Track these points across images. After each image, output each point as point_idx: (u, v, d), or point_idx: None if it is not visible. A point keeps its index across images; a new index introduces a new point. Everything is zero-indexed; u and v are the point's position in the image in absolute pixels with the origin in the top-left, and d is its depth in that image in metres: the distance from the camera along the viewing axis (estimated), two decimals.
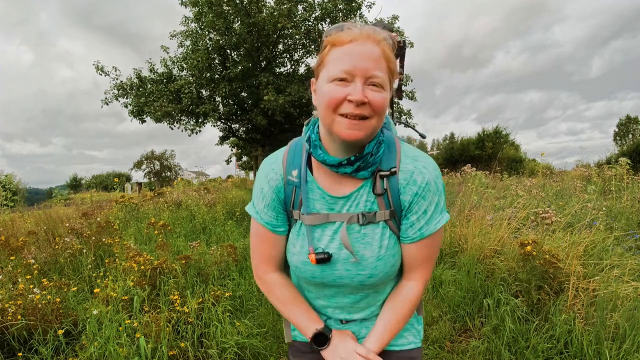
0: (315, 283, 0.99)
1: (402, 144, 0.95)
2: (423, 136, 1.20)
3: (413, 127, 1.20)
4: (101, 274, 3.23)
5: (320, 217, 0.93)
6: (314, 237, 0.95)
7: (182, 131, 12.85)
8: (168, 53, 12.38)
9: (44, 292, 2.60)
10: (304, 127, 1.13)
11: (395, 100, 1.09)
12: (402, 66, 1.00)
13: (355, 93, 0.76)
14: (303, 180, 0.93)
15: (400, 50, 0.95)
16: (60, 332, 2.25)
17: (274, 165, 0.97)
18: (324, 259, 0.92)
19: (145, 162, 43.83)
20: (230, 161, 19.24)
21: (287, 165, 0.95)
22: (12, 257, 3.40)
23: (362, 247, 0.91)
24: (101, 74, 11.76)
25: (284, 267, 1.07)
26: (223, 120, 13.33)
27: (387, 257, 0.93)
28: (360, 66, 0.77)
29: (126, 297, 2.56)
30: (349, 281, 0.95)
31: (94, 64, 11.53)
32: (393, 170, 0.88)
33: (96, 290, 2.67)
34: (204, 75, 11.57)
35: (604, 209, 4.06)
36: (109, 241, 3.88)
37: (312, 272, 0.96)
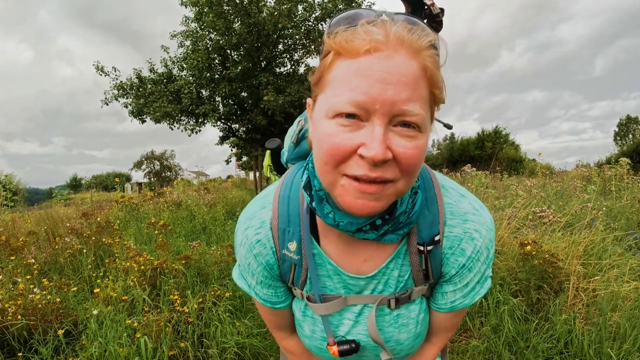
0: None
1: (443, 188, 0.67)
2: (449, 126, 0.88)
3: (437, 119, 0.80)
4: (101, 274, 3.23)
5: (337, 304, 0.68)
6: (331, 322, 0.71)
7: (182, 131, 12.86)
8: (168, 53, 12.38)
9: (44, 292, 2.60)
10: (290, 139, 0.80)
11: None
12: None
13: (371, 145, 0.47)
14: (308, 257, 0.65)
15: (435, 23, 0.59)
16: (60, 332, 2.25)
17: (260, 233, 0.67)
18: (350, 351, 0.69)
19: (145, 162, 43.90)
20: (230, 161, 19.23)
21: (280, 233, 0.66)
22: (12, 257, 3.40)
23: (397, 332, 0.70)
24: (101, 74, 11.77)
25: None
26: (223, 120, 13.33)
27: (424, 330, 0.74)
28: (383, 97, 0.46)
29: (126, 297, 2.56)
30: None
31: (93, 64, 11.54)
32: (436, 239, 0.63)
33: (96, 290, 2.67)
34: (204, 75, 11.57)
35: (603, 209, 4.06)
36: (109, 241, 3.88)
37: (331, 358, 0.73)
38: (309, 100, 0.61)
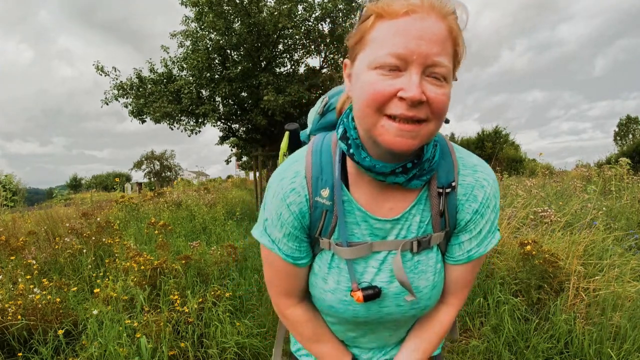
0: (354, 322, 0.81)
1: (454, 146, 0.78)
2: (446, 121, 1.03)
3: None
4: (101, 274, 3.23)
5: (363, 249, 0.73)
6: (356, 270, 0.75)
7: (182, 131, 12.84)
8: (168, 53, 12.37)
9: (44, 292, 2.60)
10: (315, 112, 0.91)
11: None
12: None
13: (410, 88, 0.56)
14: (338, 204, 0.70)
15: None
16: (60, 332, 2.25)
17: (295, 182, 0.72)
18: (374, 295, 0.72)
19: (145, 162, 43.85)
20: (230, 161, 19.20)
21: (314, 181, 0.71)
22: (12, 257, 3.40)
23: (416, 278, 0.75)
24: (101, 74, 11.75)
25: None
26: (223, 120, 13.33)
27: (440, 283, 0.79)
28: (418, 50, 0.56)
29: (126, 297, 2.56)
30: (400, 316, 0.79)
31: (93, 64, 11.51)
32: (453, 184, 0.72)
33: (96, 290, 2.67)
34: (204, 76, 11.55)
35: (603, 208, 4.06)
36: (109, 241, 3.88)
37: (354, 312, 0.77)
38: (346, 61, 0.70)
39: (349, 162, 0.73)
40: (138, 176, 44.94)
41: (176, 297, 2.59)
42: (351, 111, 0.71)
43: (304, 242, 0.76)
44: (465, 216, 0.74)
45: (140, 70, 12.29)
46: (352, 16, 11.62)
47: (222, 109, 12.69)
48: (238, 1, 10.72)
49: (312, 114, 0.95)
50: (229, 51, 12.05)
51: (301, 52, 12.88)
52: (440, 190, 0.71)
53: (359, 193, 0.72)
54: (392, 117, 0.59)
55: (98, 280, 3.08)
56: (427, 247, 0.74)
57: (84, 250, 3.68)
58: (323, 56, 12.77)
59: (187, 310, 2.46)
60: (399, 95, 0.57)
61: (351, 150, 0.68)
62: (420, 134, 0.60)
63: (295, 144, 1.03)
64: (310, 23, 11.83)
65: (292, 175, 0.72)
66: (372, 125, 0.61)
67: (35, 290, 2.63)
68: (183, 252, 3.98)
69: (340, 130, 0.71)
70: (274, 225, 0.74)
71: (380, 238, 0.73)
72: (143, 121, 12.40)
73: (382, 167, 0.66)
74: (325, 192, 0.71)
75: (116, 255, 3.54)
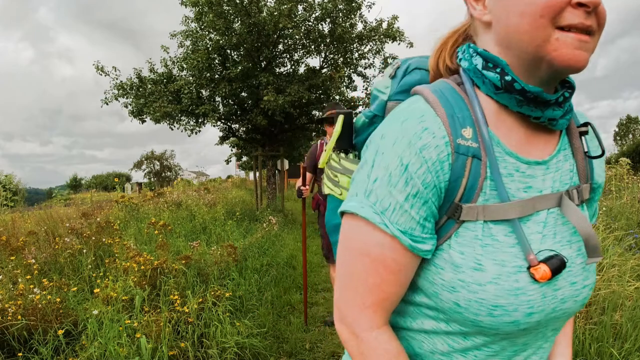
0: (520, 329, 0.54)
1: None
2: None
3: None
4: (101, 274, 3.22)
5: (529, 204, 0.54)
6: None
7: (182, 131, 12.85)
8: (168, 53, 12.39)
9: (44, 292, 2.60)
10: (383, 82, 0.71)
11: None
12: None
13: None
14: (487, 146, 0.53)
15: None
16: (60, 332, 2.24)
17: (427, 121, 0.53)
18: (561, 266, 0.52)
19: (146, 162, 43.86)
20: (230, 161, 19.23)
21: (449, 118, 0.54)
22: (12, 257, 3.40)
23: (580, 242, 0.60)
24: (101, 74, 11.76)
25: None
26: (223, 121, 13.34)
27: None
28: None
29: (126, 297, 2.56)
30: (572, 304, 0.57)
31: (94, 64, 11.52)
32: (587, 125, 0.63)
33: (96, 290, 2.67)
34: (204, 76, 11.56)
35: (603, 208, 4.06)
36: (109, 241, 3.89)
37: (529, 305, 0.52)
38: None
39: (484, 100, 0.58)
40: (138, 176, 45.03)
41: (176, 297, 2.59)
42: (470, 52, 0.59)
43: (432, 214, 0.54)
44: (599, 164, 0.66)
45: (140, 70, 12.30)
46: (352, 16, 11.64)
47: (222, 109, 12.70)
48: (238, 1, 10.74)
49: (384, 81, 0.74)
50: (229, 51, 12.06)
51: (301, 52, 12.88)
52: (583, 129, 0.62)
53: (502, 135, 0.56)
54: (565, 29, 0.50)
55: (98, 280, 3.08)
56: (583, 201, 0.60)
57: (84, 250, 3.68)
58: (323, 56, 12.77)
59: (187, 310, 2.46)
60: (575, 1, 0.49)
61: (507, 78, 0.53)
62: (591, 48, 0.52)
63: (349, 130, 0.80)
64: (310, 23, 11.84)
65: (418, 114, 0.53)
66: (544, 40, 0.50)
67: (35, 290, 2.63)
68: (183, 252, 3.98)
69: (479, 61, 0.57)
70: (393, 184, 0.52)
71: (534, 190, 0.56)
72: (143, 121, 12.41)
73: (548, 94, 0.54)
74: (468, 132, 0.53)
75: (116, 255, 3.54)
